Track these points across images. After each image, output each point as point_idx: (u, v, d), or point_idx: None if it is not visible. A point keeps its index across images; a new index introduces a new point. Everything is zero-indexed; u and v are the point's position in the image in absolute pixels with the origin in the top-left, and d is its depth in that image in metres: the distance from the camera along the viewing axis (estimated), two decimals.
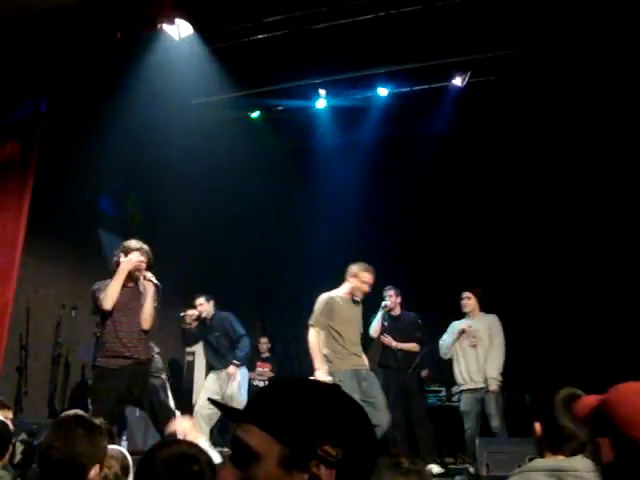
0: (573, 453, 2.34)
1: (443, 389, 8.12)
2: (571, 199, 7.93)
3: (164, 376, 5.44)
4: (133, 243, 5.28)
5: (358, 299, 5.88)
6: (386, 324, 7.40)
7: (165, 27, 6.46)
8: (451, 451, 7.70)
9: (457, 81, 7.75)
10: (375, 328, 7.30)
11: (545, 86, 7.51)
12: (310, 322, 5.68)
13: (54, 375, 6.59)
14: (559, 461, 2.31)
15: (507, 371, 6.54)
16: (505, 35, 6.69)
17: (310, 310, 5.77)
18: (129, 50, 6.53)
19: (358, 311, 5.93)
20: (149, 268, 5.28)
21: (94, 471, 2.34)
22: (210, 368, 7.84)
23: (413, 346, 7.36)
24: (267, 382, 8.78)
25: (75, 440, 2.31)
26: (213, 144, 7.89)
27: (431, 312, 7.71)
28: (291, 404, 1.15)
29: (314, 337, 5.61)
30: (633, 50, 6.37)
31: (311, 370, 5.58)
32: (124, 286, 5.17)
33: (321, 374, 5.42)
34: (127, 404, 5.57)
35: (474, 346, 6.68)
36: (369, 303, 6.31)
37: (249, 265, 9.32)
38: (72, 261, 7.09)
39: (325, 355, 5.59)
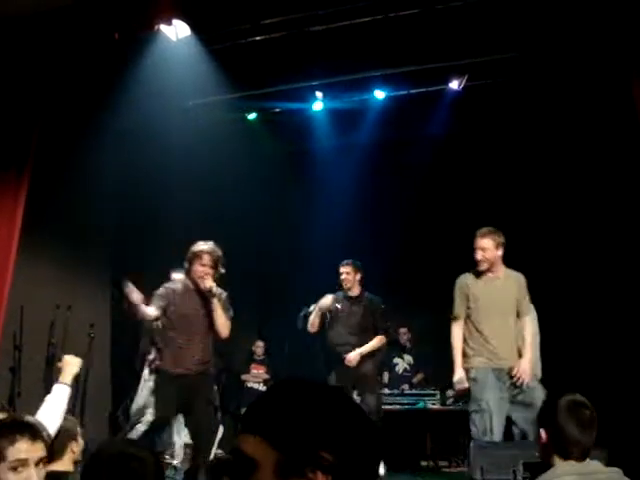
0: (581, 458, 2.38)
1: (437, 392, 8.12)
2: (568, 202, 7.94)
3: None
4: (196, 248, 5.09)
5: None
6: (339, 306, 6.33)
7: (162, 28, 6.45)
8: (445, 454, 7.72)
9: (454, 85, 7.76)
10: (312, 322, 6.32)
11: (541, 90, 7.54)
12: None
13: (48, 376, 6.57)
14: (579, 466, 2.35)
15: None
16: (502, 39, 6.70)
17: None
18: (126, 51, 6.52)
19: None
20: (215, 267, 5.07)
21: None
22: None
23: (379, 340, 6.42)
24: (261, 384, 8.78)
25: None
26: (210, 145, 7.89)
27: (428, 315, 7.72)
28: (287, 409, 1.13)
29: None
30: (628, 54, 6.38)
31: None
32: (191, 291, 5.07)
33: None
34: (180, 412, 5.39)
35: None
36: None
37: (247, 267, 9.30)
38: (67, 261, 7.08)
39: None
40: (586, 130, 7.61)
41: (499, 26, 6.51)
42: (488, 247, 5.06)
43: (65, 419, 3.30)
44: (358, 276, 6.38)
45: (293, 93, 8.05)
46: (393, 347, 8.93)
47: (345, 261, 6.39)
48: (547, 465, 2.43)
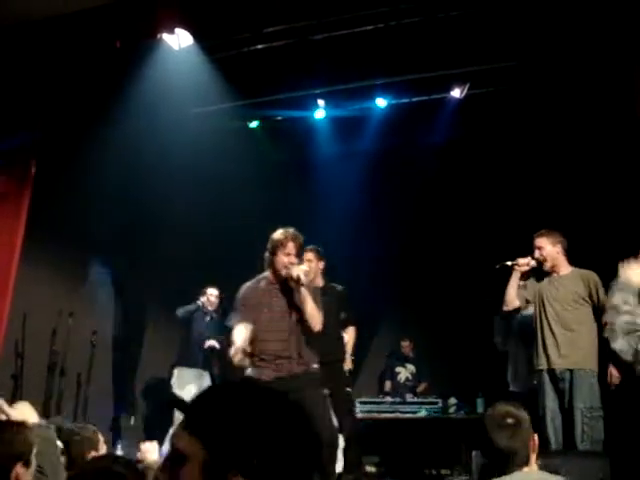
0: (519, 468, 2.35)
1: (439, 401, 8.10)
2: (570, 210, 7.93)
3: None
4: (276, 237, 4.59)
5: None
6: None
7: (165, 37, 6.49)
8: (447, 463, 7.69)
9: (456, 93, 7.78)
10: None
11: (542, 98, 7.55)
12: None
13: (49, 383, 6.57)
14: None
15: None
16: (503, 48, 6.72)
17: None
18: (128, 59, 6.55)
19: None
20: (299, 255, 4.64)
21: (18, 469, 2.32)
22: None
23: (350, 333, 6.03)
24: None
25: None
26: (212, 153, 7.90)
27: (430, 327, 7.70)
28: (221, 411, 1.16)
29: None
30: (629, 63, 6.40)
31: None
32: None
33: None
34: None
35: None
36: None
37: (249, 273, 9.29)
38: (69, 268, 7.09)
39: None
40: (587, 138, 7.61)
41: (500, 35, 6.53)
42: (544, 246, 5.19)
43: (85, 428, 3.22)
44: (321, 265, 5.84)
45: (295, 101, 8.07)
46: (395, 356, 8.94)
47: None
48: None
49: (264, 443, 1.13)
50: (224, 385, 1.27)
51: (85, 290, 7.31)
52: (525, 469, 2.33)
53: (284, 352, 4.45)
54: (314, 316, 4.45)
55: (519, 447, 2.34)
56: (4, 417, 3.20)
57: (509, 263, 5.26)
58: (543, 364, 5.00)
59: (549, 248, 5.16)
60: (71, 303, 6.85)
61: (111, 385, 7.58)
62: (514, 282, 5.22)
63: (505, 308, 5.28)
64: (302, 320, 4.47)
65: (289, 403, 1.23)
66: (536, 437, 2.45)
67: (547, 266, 5.17)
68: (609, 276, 4.65)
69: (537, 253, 5.18)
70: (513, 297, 5.21)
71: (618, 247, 7.48)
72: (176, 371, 7.48)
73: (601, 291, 4.98)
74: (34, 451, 2.46)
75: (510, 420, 2.39)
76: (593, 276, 5.09)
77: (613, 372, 4.96)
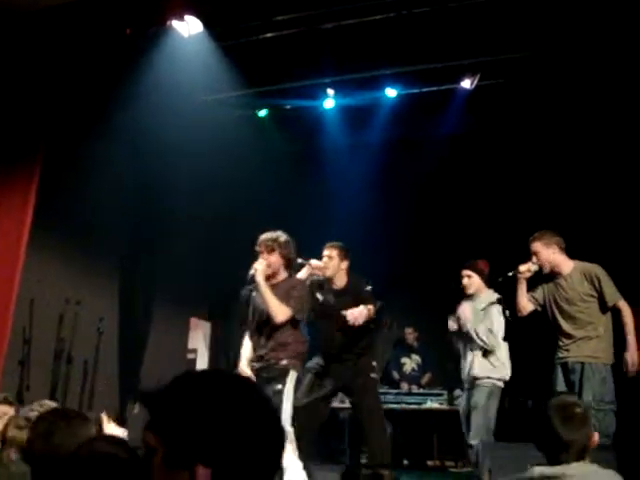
0: (575, 460, 2.34)
1: (445, 392, 8.10)
2: (579, 201, 7.90)
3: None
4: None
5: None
6: (321, 298, 5.48)
7: (174, 24, 6.46)
8: (452, 454, 7.70)
9: (466, 83, 7.73)
10: None
11: (553, 90, 7.50)
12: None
13: (56, 370, 6.59)
14: (552, 468, 2.30)
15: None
16: (514, 38, 6.67)
17: None
18: (138, 46, 6.52)
19: None
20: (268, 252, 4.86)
21: None
22: None
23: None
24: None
25: (53, 433, 2.30)
26: (220, 141, 7.89)
27: (435, 315, 7.67)
28: (177, 406, 1.20)
29: None
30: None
31: None
32: None
33: None
34: None
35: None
36: None
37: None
38: (77, 256, 7.09)
39: None
40: (598, 129, 7.57)
41: (511, 25, 6.49)
42: (539, 250, 5.14)
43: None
44: (344, 264, 5.52)
45: (304, 90, 8.04)
46: (400, 347, 8.93)
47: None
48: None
49: (222, 435, 1.17)
50: (185, 379, 1.27)
51: (92, 278, 7.31)
52: (580, 462, 2.34)
53: (261, 349, 4.71)
54: (271, 308, 4.59)
55: (581, 439, 2.36)
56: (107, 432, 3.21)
57: (510, 274, 5.25)
58: (558, 358, 5.06)
59: (544, 252, 5.13)
60: (78, 291, 6.86)
61: (117, 372, 7.59)
62: (522, 290, 5.23)
63: (520, 315, 5.26)
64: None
65: (251, 395, 1.26)
66: (597, 434, 2.47)
67: (546, 270, 5.16)
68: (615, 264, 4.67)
69: (534, 259, 5.17)
70: (525, 303, 5.22)
71: (627, 236, 7.47)
72: None
73: (604, 282, 4.96)
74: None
75: (579, 410, 2.42)
76: (594, 269, 5.04)
77: (628, 359, 4.85)
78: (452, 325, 5.57)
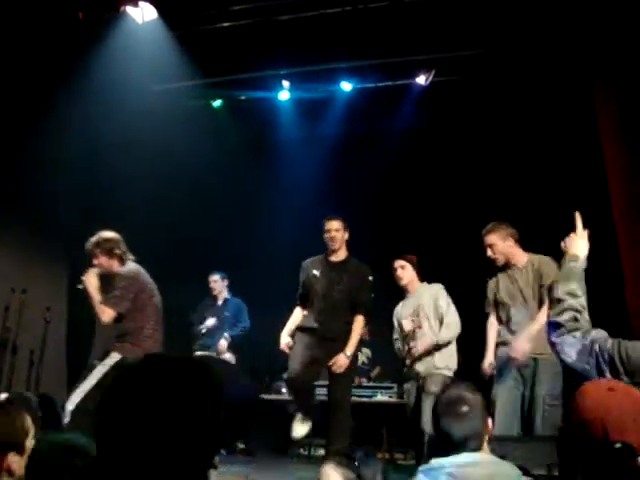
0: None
1: (395, 385, 8.16)
2: (535, 196, 8.00)
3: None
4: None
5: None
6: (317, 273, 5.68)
7: (128, 10, 6.36)
8: (402, 447, 7.77)
9: (421, 79, 7.78)
10: None
11: (507, 87, 7.59)
12: None
13: (1, 359, 6.47)
14: (442, 459, 2.27)
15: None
16: (469, 36, 6.74)
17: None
18: (91, 31, 6.41)
19: None
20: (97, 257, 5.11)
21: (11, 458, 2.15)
22: None
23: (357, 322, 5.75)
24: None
25: None
26: (173, 132, 7.79)
27: (387, 308, 7.72)
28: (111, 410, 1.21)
29: None
30: (592, 53, 6.48)
31: None
32: None
33: None
34: None
35: (419, 327, 5.53)
36: None
37: (209, 254, 9.21)
38: (22, 244, 6.95)
39: None
40: (551, 125, 7.68)
41: (466, 22, 6.55)
42: (495, 243, 5.04)
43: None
44: (346, 235, 5.68)
45: (259, 81, 8.01)
46: None
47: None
48: None
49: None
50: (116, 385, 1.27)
51: (39, 266, 7.17)
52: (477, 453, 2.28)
53: None
54: (96, 309, 4.87)
55: (471, 434, 2.28)
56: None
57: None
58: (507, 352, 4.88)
59: (500, 244, 5.00)
60: (24, 280, 6.72)
61: (64, 363, 7.46)
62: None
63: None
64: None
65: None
66: (490, 421, 2.40)
67: (500, 262, 5.04)
68: None
69: (489, 252, 5.02)
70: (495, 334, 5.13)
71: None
72: None
73: (553, 273, 4.74)
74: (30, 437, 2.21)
75: (464, 408, 2.30)
76: (544, 261, 4.93)
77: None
78: (407, 325, 5.62)
